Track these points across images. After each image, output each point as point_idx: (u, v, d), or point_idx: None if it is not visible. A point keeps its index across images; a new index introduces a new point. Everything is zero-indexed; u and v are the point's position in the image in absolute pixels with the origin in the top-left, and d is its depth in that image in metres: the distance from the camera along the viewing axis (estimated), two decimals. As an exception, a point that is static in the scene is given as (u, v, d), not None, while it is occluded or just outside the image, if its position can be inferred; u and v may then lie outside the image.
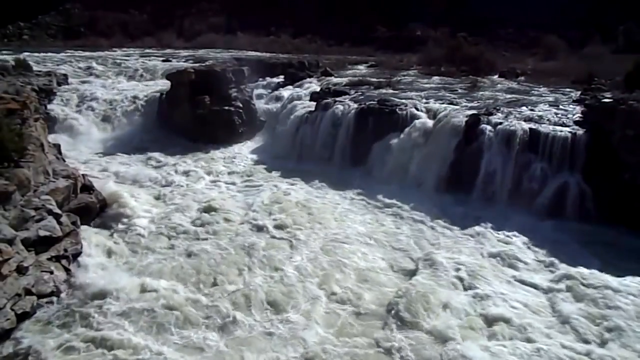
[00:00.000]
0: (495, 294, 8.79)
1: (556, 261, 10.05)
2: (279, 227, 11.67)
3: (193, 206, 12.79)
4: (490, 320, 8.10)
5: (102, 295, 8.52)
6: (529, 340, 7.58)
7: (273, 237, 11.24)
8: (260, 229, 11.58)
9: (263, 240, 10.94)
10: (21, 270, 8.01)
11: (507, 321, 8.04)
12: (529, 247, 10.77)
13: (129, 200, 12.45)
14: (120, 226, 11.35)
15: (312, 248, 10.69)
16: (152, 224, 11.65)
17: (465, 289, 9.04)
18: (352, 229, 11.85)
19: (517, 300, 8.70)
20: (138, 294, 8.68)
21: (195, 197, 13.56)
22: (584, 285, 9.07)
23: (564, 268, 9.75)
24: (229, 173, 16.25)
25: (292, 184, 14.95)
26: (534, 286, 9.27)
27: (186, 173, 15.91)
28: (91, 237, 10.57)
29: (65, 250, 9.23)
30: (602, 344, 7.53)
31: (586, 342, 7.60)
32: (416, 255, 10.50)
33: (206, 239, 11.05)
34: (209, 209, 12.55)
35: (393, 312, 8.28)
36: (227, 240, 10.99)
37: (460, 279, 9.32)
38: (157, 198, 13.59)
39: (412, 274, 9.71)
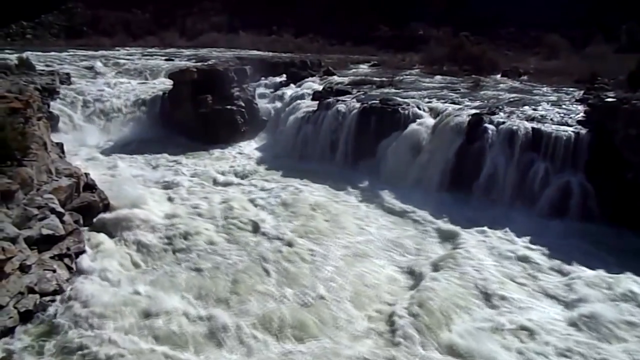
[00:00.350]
0: (516, 302, 8.61)
1: (569, 264, 9.89)
2: (296, 232, 11.25)
3: (206, 210, 12.40)
4: (514, 330, 7.86)
5: (106, 309, 8.08)
6: (558, 352, 7.41)
7: (292, 244, 10.70)
8: (278, 237, 10.99)
9: (283, 250, 10.44)
10: (24, 269, 8.04)
11: (531, 331, 7.82)
12: (541, 251, 10.55)
13: (152, 205, 12.14)
14: (130, 232, 10.89)
15: (335, 257, 10.24)
16: (163, 229, 11.19)
17: (485, 298, 8.79)
18: (368, 232, 11.65)
19: (538, 308, 8.54)
20: (146, 309, 8.17)
21: (206, 200, 13.13)
22: (604, 291, 8.98)
23: (580, 272, 9.61)
24: (235, 174, 16.01)
25: (302, 185, 14.73)
26: (554, 293, 9.07)
27: (192, 174, 15.69)
28: (96, 241, 10.36)
29: (68, 249, 9.26)
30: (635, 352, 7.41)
31: (624, 352, 7.46)
32: (428, 262, 10.24)
33: (222, 249, 10.47)
34: (222, 214, 12.22)
35: (416, 325, 7.95)
36: (245, 250, 10.44)
37: (477, 286, 9.10)
38: (167, 200, 13.26)
39: (422, 280, 9.36)
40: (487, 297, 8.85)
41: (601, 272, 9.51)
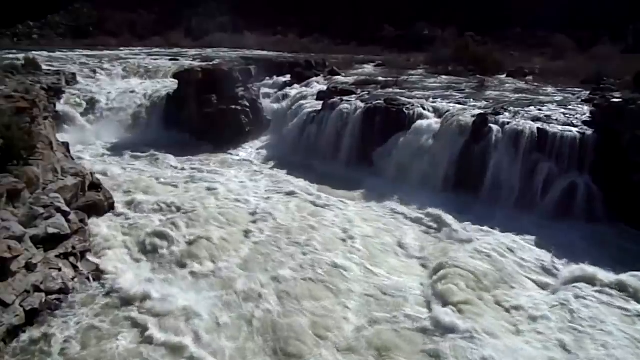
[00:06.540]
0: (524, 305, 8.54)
1: (575, 265, 9.73)
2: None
3: (232, 219, 11.92)
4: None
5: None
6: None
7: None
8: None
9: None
10: (30, 267, 8.07)
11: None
12: (546, 252, 10.42)
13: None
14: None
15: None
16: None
17: (502, 307, 8.60)
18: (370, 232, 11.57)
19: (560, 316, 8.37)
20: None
21: (226, 210, 12.44)
22: (610, 291, 8.92)
23: (585, 272, 9.43)
24: (247, 177, 15.70)
25: (305, 184, 14.83)
26: (559, 293, 8.92)
27: (202, 177, 15.23)
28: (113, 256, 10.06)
29: (74, 248, 9.29)
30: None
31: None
32: (429, 263, 10.11)
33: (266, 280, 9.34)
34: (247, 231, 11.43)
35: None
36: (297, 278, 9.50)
37: (491, 293, 8.94)
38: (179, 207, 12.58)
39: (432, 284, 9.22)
40: (490, 295, 8.81)
41: (607, 272, 9.37)
